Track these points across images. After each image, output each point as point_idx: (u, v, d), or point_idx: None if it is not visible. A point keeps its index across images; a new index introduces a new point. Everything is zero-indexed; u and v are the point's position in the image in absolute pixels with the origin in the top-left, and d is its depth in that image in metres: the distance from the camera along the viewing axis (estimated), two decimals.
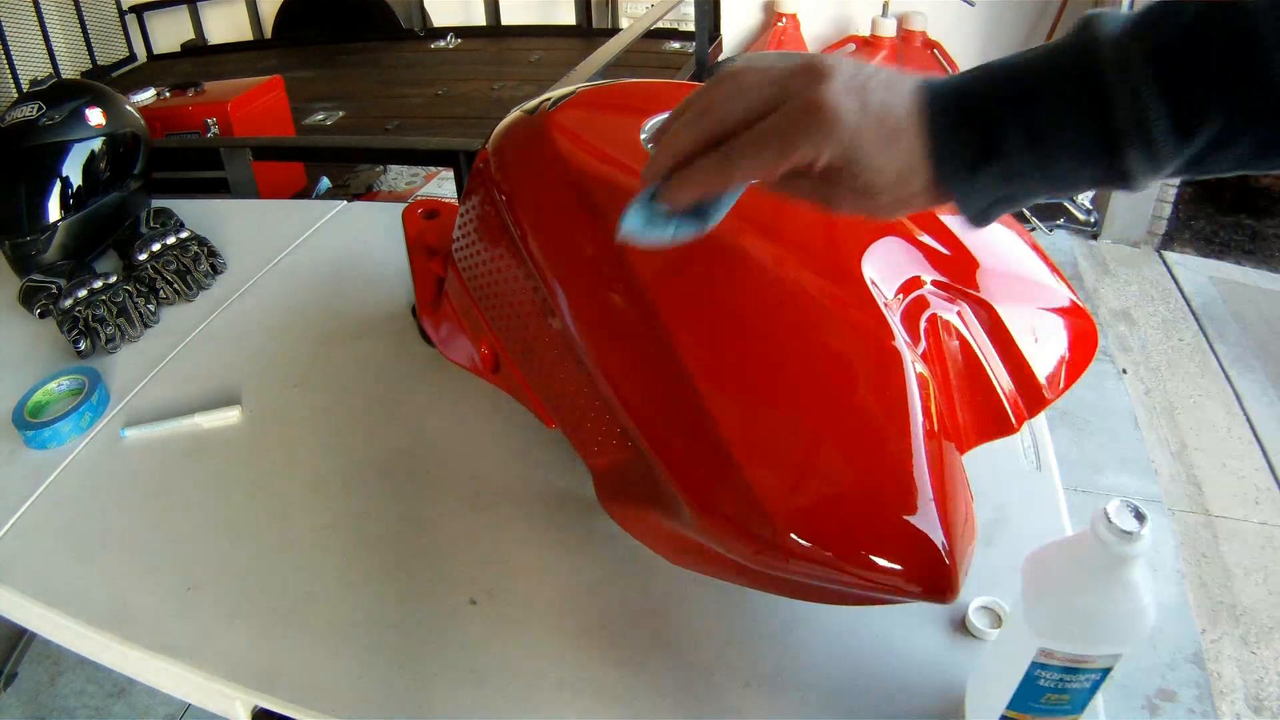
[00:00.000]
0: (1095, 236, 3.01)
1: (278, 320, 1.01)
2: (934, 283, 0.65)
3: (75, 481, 0.81)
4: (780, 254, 0.63)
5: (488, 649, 0.63)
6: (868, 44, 3.32)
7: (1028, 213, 2.96)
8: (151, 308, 1.02)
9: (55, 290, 1.01)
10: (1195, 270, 2.86)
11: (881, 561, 0.50)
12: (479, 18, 3.79)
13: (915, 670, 0.60)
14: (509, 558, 0.70)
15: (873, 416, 0.55)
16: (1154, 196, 2.90)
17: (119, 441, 0.84)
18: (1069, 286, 0.71)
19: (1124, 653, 0.49)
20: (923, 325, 0.63)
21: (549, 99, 0.76)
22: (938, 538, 0.50)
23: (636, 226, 0.48)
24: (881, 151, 0.43)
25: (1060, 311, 0.70)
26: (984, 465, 0.69)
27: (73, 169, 1.09)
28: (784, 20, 3.54)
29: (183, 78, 2.59)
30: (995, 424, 0.64)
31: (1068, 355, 0.68)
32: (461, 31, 3.58)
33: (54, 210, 1.08)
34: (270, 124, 2.54)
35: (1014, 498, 0.74)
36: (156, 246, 1.08)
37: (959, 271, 0.67)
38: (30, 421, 0.84)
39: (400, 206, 0.99)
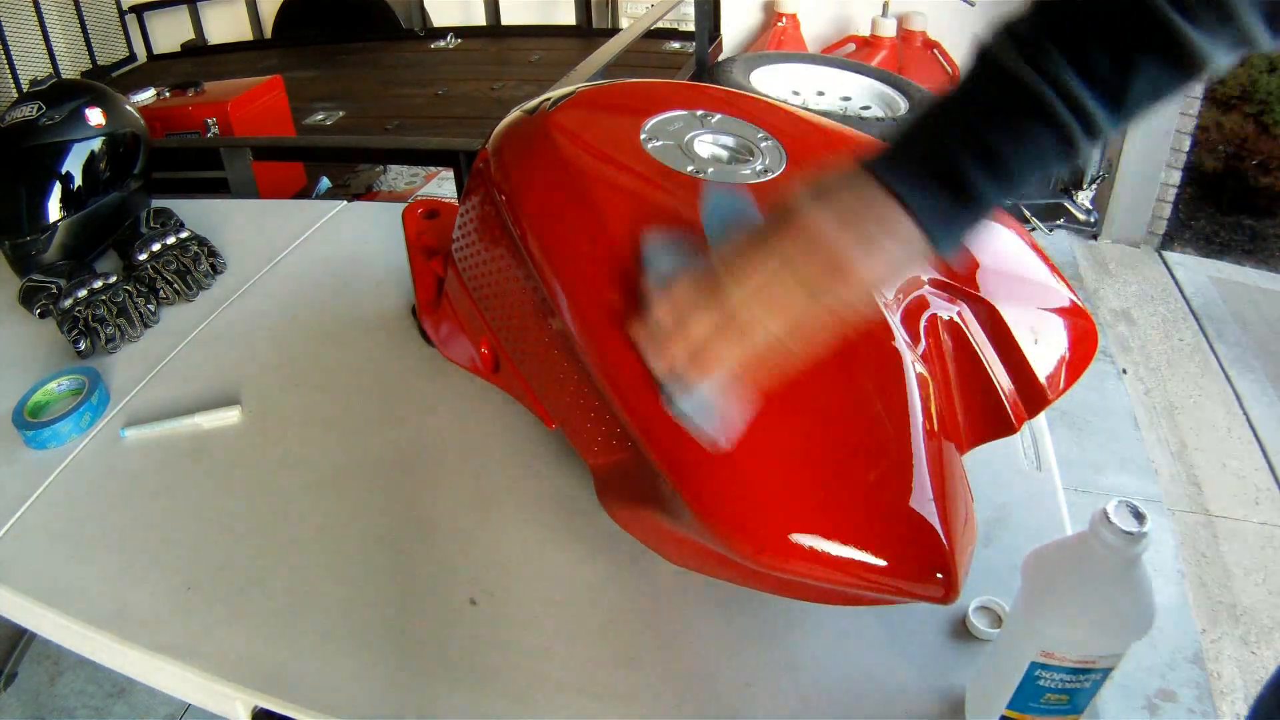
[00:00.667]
0: (1095, 236, 3.01)
1: (278, 320, 1.01)
2: (934, 282, 0.65)
3: (75, 481, 0.80)
4: None
5: (488, 649, 0.63)
6: (868, 44, 3.32)
7: (1028, 213, 2.96)
8: (151, 308, 1.02)
9: (55, 290, 1.01)
10: (1195, 270, 2.85)
11: (881, 562, 0.50)
12: (479, 18, 3.79)
13: (915, 670, 0.60)
14: (509, 558, 0.70)
15: (873, 417, 0.55)
16: (1154, 196, 2.90)
17: (119, 441, 0.84)
18: (1069, 286, 0.71)
19: (1124, 652, 0.49)
20: (923, 325, 0.62)
21: (549, 99, 0.76)
22: (938, 538, 0.50)
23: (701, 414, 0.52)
24: (892, 260, 0.47)
25: (1060, 311, 0.70)
26: (984, 465, 0.69)
27: (73, 169, 1.09)
28: (784, 20, 3.54)
29: (183, 78, 2.59)
30: (995, 424, 0.64)
31: (1068, 355, 0.68)
32: (461, 31, 3.58)
33: (54, 210, 1.08)
34: (270, 124, 2.53)
35: (1014, 498, 0.74)
36: (156, 246, 1.08)
37: (959, 272, 0.66)
38: (30, 421, 0.84)
39: (400, 206, 0.99)
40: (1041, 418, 0.78)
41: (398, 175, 3.07)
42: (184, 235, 1.11)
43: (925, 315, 0.63)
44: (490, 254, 0.73)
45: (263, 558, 0.71)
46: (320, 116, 2.86)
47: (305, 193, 2.60)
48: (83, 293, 0.99)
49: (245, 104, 2.42)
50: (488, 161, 0.73)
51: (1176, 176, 2.87)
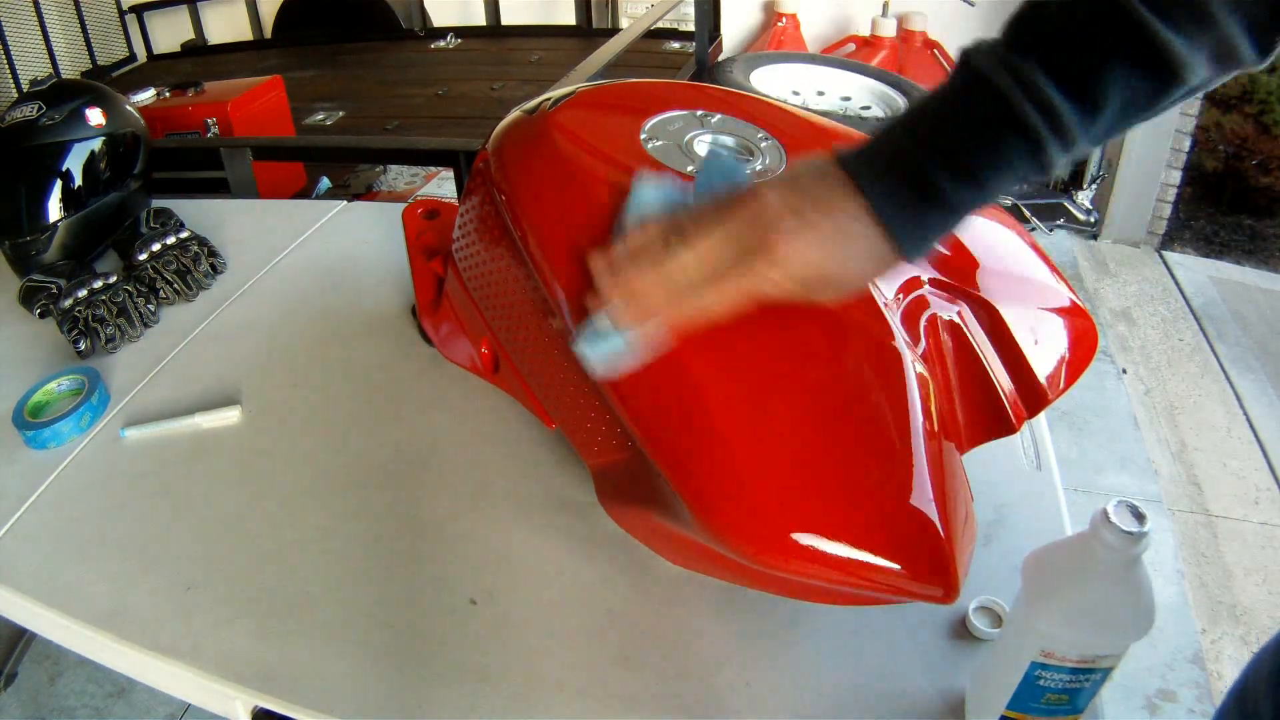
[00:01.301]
0: (1095, 236, 3.01)
1: (278, 320, 1.01)
2: (934, 282, 0.65)
3: (75, 481, 0.80)
4: None
5: (488, 649, 0.63)
6: (868, 44, 3.32)
7: (1027, 212, 2.96)
8: (151, 308, 1.02)
9: (55, 290, 1.01)
10: (1195, 270, 2.86)
11: (882, 561, 0.50)
12: (479, 18, 3.79)
13: (915, 670, 0.60)
14: (509, 558, 0.70)
15: (873, 416, 0.55)
16: (1154, 196, 2.90)
17: (119, 441, 0.84)
18: (1069, 286, 0.71)
19: (1124, 652, 0.49)
20: (923, 325, 0.62)
21: (549, 99, 0.76)
22: (938, 538, 0.50)
23: (602, 351, 0.53)
24: (840, 253, 0.48)
25: (1060, 311, 0.70)
26: (984, 465, 0.69)
27: (73, 169, 1.09)
28: (784, 20, 3.54)
29: (183, 78, 2.59)
30: (995, 424, 0.64)
31: (1068, 355, 0.68)
32: (461, 31, 3.58)
33: (54, 210, 1.08)
34: (270, 124, 2.53)
35: (1014, 498, 0.74)
36: (156, 246, 1.08)
37: (959, 271, 0.67)
38: (30, 421, 0.84)
39: (400, 206, 0.99)
40: (1041, 418, 0.78)
41: (398, 175, 3.07)
42: (184, 235, 1.11)
43: (925, 315, 0.63)
44: (490, 254, 0.73)
45: (263, 558, 0.71)
46: (320, 116, 2.86)
47: (305, 193, 2.60)
48: (83, 293, 0.99)
49: (245, 104, 2.43)
50: (488, 161, 0.73)
51: (1176, 176, 2.87)
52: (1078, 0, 0.44)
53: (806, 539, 0.50)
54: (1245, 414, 2.21)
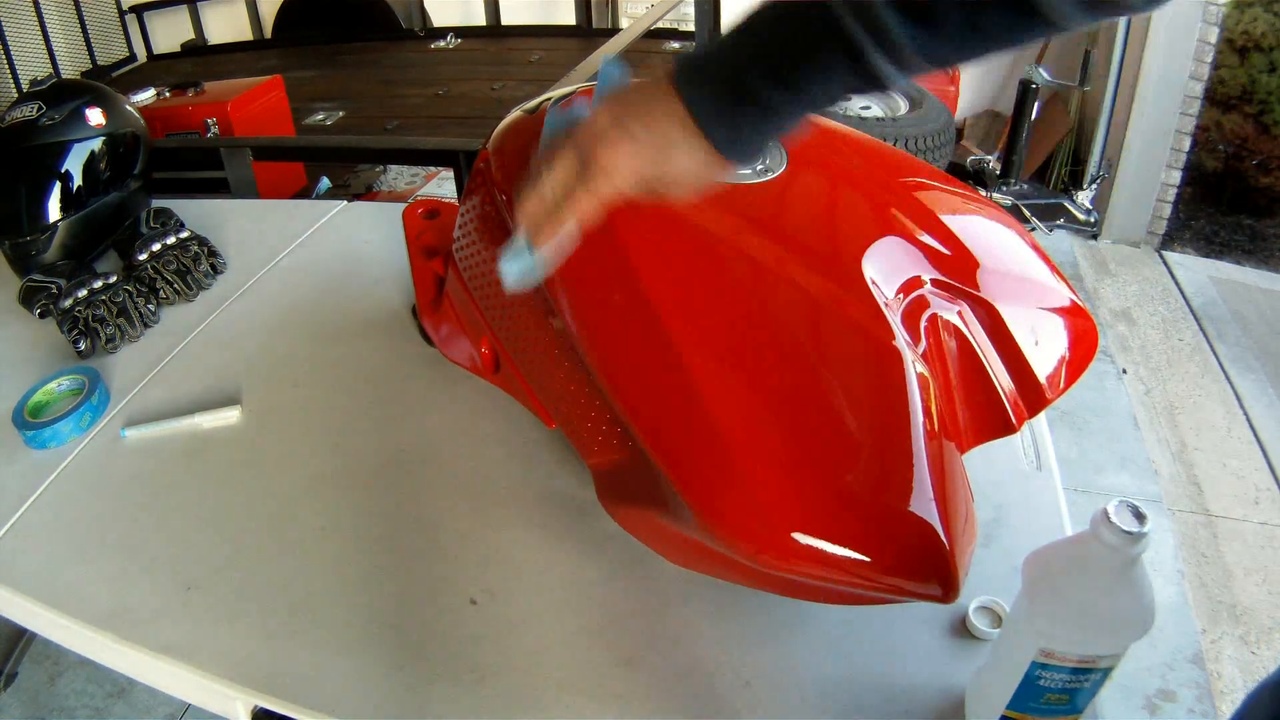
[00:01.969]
0: (1095, 236, 3.01)
1: (278, 320, 1.01)
2: (934, 282, 0.65)
3: (75, 481, 0.80)
4: (781, 254, 0.63)
5: (488, 649, 0.63)
6: None
7: (1027, 212, 2.96)
8: (151, 308, 1.02)
9: (55, 290, 1.01)
10: (1195, 270, 2.85)
11: (882, 561, 0.50)
12: (479, 18, 3.79)
13: (915, 670, 0.60)
14: (509, 558, 0.70)
15: (873, 416, 0.55)
16: (1154, 196, 2.90)
17: (119, 441, 0.84)
18: (1069, 286, 0.71)
19: (1124, 652, 0.49)
20: (923, 325, 0.62)
21: (549, 99, 0.76)
22: (938, 537, 0.50)
23: (514, 268, 0.56)
24: (661, 159, 0.50)
25: (1060, 311, 0.70)
26: (984, 465, 0.69)
27: (73, 169, 1.09)
28: None
29: (183, 78, 2.59)
30: (995, 424, 0.64)
31: (1068, 355, 0.68)
32: (461, 31, 3.58)
33: (54, 210, 1.08)
34: (270, 124, 2.54)
35: (1014, 498, 0.73)
36: (156, 246, 1.08)
37: (959, 271, 0.66)
38: (30, 421, 0.84)
39: (400, 206, 0.99)
40: (1041, 418, 0.78)
41: (398, 175, 3.07)
42: (184, 235, 1.11)
43: (925, 315, 0.63)
44: (491, 254, 0.73)
45: (263, 558, 0.71)
46: (320, 116, 2.86)
47: (305, 193, 2.60)
48: (83, 293, 0.99)
49: (245, 104, 2.43)
50: (488, 161, 0.73)
51: (1176, 176, 2.87)
52: None
53: (806, 539, 0.50)
54: (1245, 414, 2.21)
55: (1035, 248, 0.74)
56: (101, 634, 0.66)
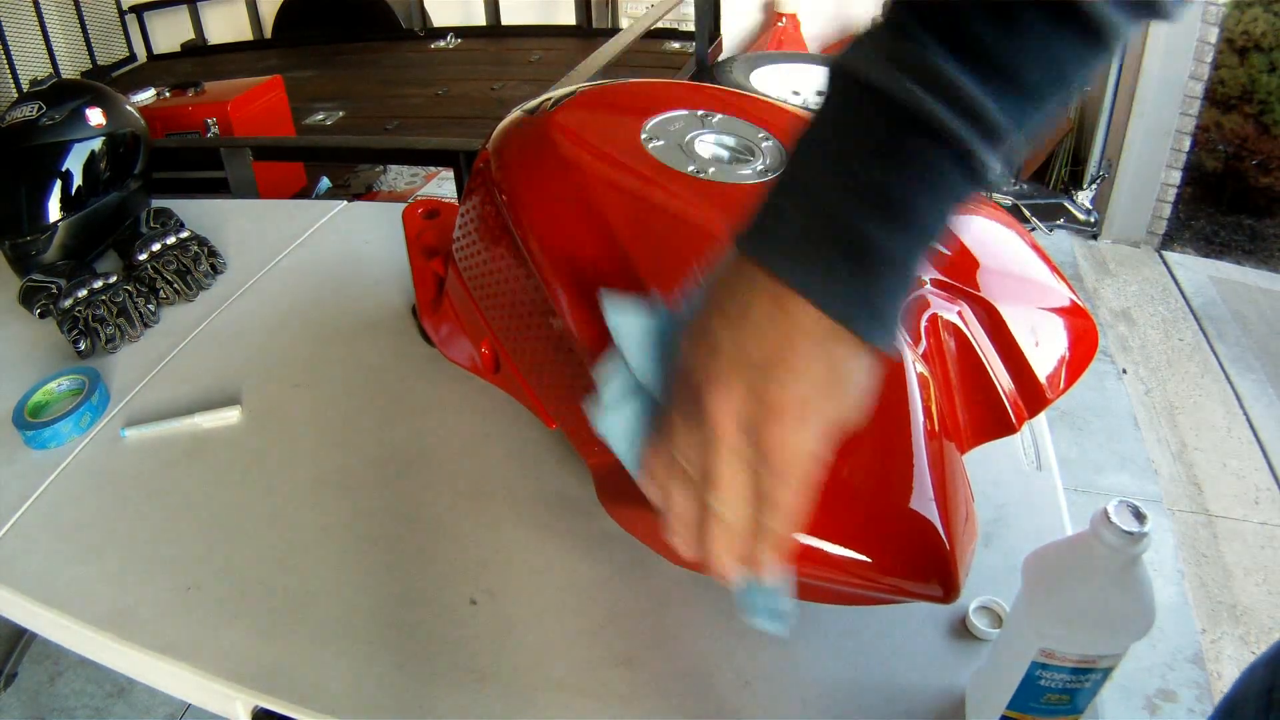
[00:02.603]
0: (1095, 236, 3.01)
1: (278, 320, 1.01)
2: (934, 282, 0.65)
3: (75, 481, 0.80)
4: None
5: (488, 649, 0.63)
6: None
7: (1027, 212, 2.96)
8: (151, 308, 1.02)
9: (55, 290, 1.01)
10: (1195, 270, 2.85)
11: (882, 561, 0.50)
12: (479, 18, 3.79)
13: (915, 670, 0.60)
14: (509, 558, 0.70)
15: (873, 416, 0.55)
16: (1154, 196, 2.90)
17: (119, 441, 0.84)
18: (1069, 286, 0.71)
19: (1124, 652, 0.49)
20: (923, 325, 0.62)
21: (550, 99, 0.76)
22: (939, 538, 0.50)
23: (765, 616, 0.46)
24: (834, 393, 0.38)
25: (1060, 311, 0.70)
26: (984, 465, 0.69)
27: (73, 169, 1.09)
28: (784, 20, 3.54)
29: (183, 78, 2.59)
30: (995, 424, 0.64)
31: (1068, 355, 0.68)
32: (461, 31, 3.58)
33: (54, 210, 1.08)
34: (270, 124, 2.54)
35: (1014, 498, 0.73)
36: (156, 246, 1.08)
37: (959, 271, 0.67)
38: (30, 421, 0.84)
39: (400, 206, 0.99)
40: (1041, 418, 0.78)
41: (398, 175, 3.07)
42: (184, 235, 1.11)
43: (925, 315, 0.63)
44: (491, 254, 0.73)
45: (263, 558, 0.71)
46: (320, 116, 2.86)
47: (305, 193, 2.60)
48: (83, 293, 0.99)
49: (245, 104, 2.43)
50: (488, 161, 0.73)
51: (1176, 176, 2.87)
52: None
53: (806, 539, 0.50)
54: (1245, 414, 2.21)
55: (1035, 248, 0.74)
56: (102, 634, 0.66)
